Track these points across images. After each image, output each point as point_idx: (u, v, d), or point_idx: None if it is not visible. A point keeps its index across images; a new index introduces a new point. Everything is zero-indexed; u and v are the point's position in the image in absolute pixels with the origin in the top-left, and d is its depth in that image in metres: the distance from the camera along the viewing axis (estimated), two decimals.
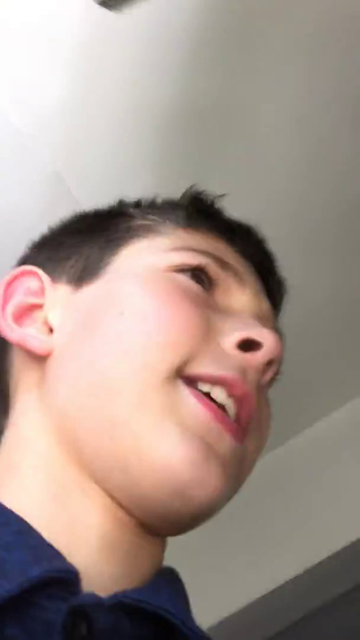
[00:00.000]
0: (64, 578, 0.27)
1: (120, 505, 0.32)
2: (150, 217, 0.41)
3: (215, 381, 0.33)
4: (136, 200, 0.45)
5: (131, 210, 0.43)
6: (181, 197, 0.44)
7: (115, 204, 0.45)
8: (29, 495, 0.32)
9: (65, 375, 0.35)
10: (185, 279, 0.36)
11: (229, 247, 0.41)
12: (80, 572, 0.28)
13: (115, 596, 0.27)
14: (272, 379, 0.37)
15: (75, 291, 0.38)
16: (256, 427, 0.35)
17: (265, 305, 0.40)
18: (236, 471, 0.33)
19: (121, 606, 0.27)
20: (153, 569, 0.33)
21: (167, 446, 0.30)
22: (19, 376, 0.38)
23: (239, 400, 0.33)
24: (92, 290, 0.37)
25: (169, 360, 0.32)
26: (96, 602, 0.27)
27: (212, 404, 0.32)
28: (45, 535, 0.29)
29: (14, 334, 0.37)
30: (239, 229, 0.43)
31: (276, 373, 0.37)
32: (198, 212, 0.42)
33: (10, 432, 0.36)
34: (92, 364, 0.34)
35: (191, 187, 0.44)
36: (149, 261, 0.37)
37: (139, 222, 0.41)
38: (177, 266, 0.37)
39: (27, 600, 0.25)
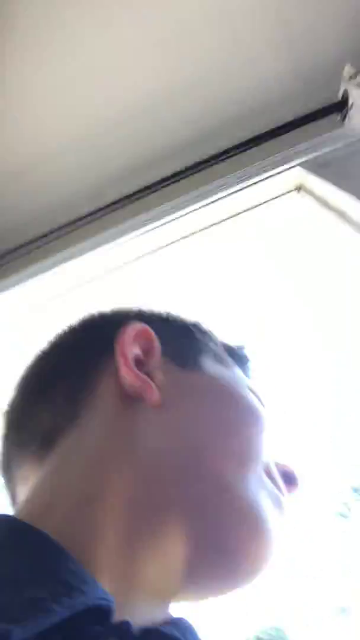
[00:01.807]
0: (104, 607, 0.28)
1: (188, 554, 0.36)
2: (207, 338, 0.53)
3: None
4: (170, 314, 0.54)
5: (208, 335, 0.54)
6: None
7: (198, 322, 0.55)
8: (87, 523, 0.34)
9: (196, 425, 0.42)
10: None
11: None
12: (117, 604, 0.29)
13: (146, 629, 0.30)
14: None
15: (183, 368, 0.47)
16: None
17: None
18: None
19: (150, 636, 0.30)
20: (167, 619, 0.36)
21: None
22: (106, 421, 0.41)
23: None
24: (208, 380, 0.47)
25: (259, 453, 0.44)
26: (128, 626, 0.29)
27: None
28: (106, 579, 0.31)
29: (135, 373, 0.42)
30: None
31: None
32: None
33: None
34: (236, 439, 0.43)
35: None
36: (229, 374, 0.50)
37: (209, 340, 0.52)
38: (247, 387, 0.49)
39: (76, 624, 0.26)
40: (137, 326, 0.44)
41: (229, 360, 0.51)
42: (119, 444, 0.38)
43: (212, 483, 0.38)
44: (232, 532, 0.37)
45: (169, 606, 0.37)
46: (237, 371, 0.50)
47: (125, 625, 0.28)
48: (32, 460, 0.40)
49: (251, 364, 0.55)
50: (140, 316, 0.50)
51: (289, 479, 0.47)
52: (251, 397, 0.46)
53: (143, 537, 0.34)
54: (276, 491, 0.43)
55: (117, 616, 0.29)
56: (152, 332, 0.45)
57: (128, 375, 0.41)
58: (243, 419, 0.43)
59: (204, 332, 0.52)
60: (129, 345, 0.43)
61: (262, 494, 0.40)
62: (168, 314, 0.53)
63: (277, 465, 0.46)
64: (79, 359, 0.44)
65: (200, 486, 0.38)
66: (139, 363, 0.43)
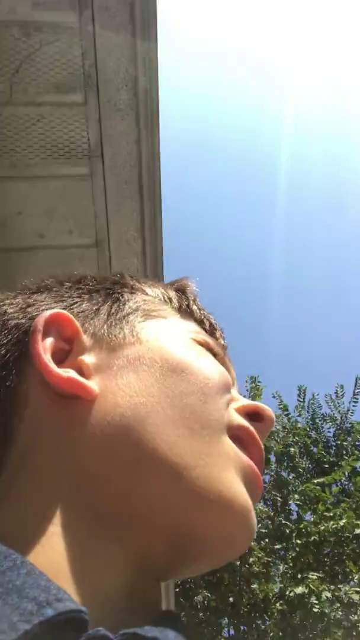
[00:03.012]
0: (76, 618, 0.27)
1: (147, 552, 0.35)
2: (155, 297, 0.49)
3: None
4: (126, 275, 0.51)
5: (137, 285, 0.50)
6: (171, 283, 0.53)
7: (116, 273, 0.51)
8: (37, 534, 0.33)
9: (131, 411, 0.38)
10: (201, 348, 0.46)
11: (211, 336, 0.49)
12: (90, 613, 0.28)
13: (123, 633, 0.28)
14: None
15: (113, 348, 0.43)
16: None
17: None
18: None
19: None
20: (156, 611, 0.36)
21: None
22: (44, 419, 0.38)
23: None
24: (140, 351, 0.43)
25: (224, 414, 0.42)
26: (105, 636, 0.27)
27: None
28: (63, 582, 0.30)
29: (63, 374, 0.39)
30: (212, 321, 0.51)
31: None
32: (188, 302, 0.50)
33: (29, 472, 0.37)
34: (174, 402, 0.40)
35: (177, 281, 0.53)
36: (180, 338, 0.45)
37: (150, 300, 0.48)
38: (197, 340, 0.46)
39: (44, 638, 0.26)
40: (45, 316, 0.40)
41: (165, 309, 0.47)
42: (61, 452, 0.36)
43: (166, 472, 0.35)
44: (198, 520, 0.36)
45: (157, 591, 0.37)
46: (175, 320, 0.47)
47: (98, 634, 0.27)
48: None
49: (195, 297, 0.51)
50: (47, 296, 0.44)
51: (257, 417, 0.44)
52: (192, 352, 0.43)
53: (100, 543, 0.34)
54: (243, 458, 0.40)
55: (94, 625, 0.28)
56: (66, 315, 0.41)
57: (51, 378, 0.38)
58: (182, 387, 0.39)
59: (127, 287, 0.48)
60: (42, 343, 0.38)
61: (225, 468, 0.38)
62: (82, 278, 0.48)
63: (240, 411, 0.43)
64: None
65: (154, 481, 0.35)
66: (63, 354, 0.40)
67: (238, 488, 0.38)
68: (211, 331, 0.49)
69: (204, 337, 0.47)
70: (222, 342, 0.50)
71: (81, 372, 0.39)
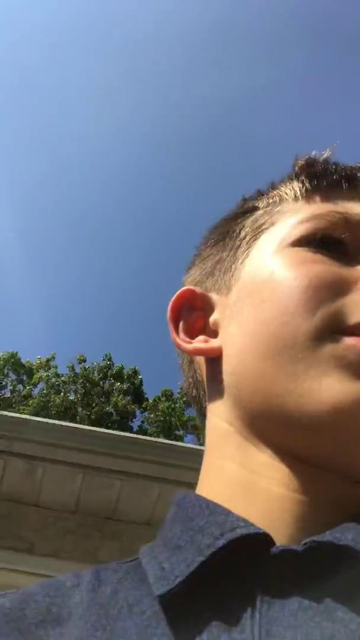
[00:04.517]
0: (260, 538, 0.30)
1: (298, 458, 0.35)
2: (271, 203, 0.44)
3: None
4: (257, 191, 0.47)
5: (252, 204, 0.46)
6: (293, 168, 0.45)
7: (239, 202, 0.48)
8: (223, 486, 0.37)
9: (236, 358, 0.39)
10: (305, 251, 0.38)
11: (350, 199, 0.41)
12: (272, 532, 0.31)
13: (304, 543, 0.30)
14: None
15: (227, 295, 0.43)
16: None
17: None
18: None
19: (312, 551, 0.29)
20: (349, 510, 0.33)
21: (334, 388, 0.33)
22: (206, 383, 0.44)
23: None
24: (238, 288, 0.42)
25: (314, 322, 0.35)
26: (288, 550, 0.30)
27: None
28: (241, 510, 0.33)
29: (189, 346, 0.43)
30: (354, 176, 0.42)
31: None
32: (311, 179, 0.43)
33: (207, 432, 0.42)
34: (258, 337, 0.37)
35: (298, 156, 0.45)
36: (272, 248, 0.41)
37: (261, 213, 0.44)
38: (298, 241, 0.39)
39: (233, 557, 0.30)
40: (169, 306, 0.45)
41: (279, 210, 0.43)
42: (220, 402, 0.41)
43: (274, 406, 0.35)
44: (318, 445, 0.34)
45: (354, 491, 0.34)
46: (282, 222, 0.42)
47: (282, 551, 0.30)
48: None
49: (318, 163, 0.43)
50: (192, 270, 0.50)
51: None
52: (277, 267, 0.38)
53: (264, 460, 0.36)
54: (346, 348, 0.34)
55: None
56: (184, 290, 0.45)
57: (187, 350, 0.43)
58: (265, 315, 0.37)
59: (245, 212, 0.46)
60: (174, 329, 0.44)
61: (324, 375, 0.33)
62: (213, 229, 0.49)
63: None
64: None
65: (271, 418, 0.36)
66: (201, 323, 0.44)
67: (341, 389, 0.32)
68: (334, 184, 0.42)
69: (316, 223, 0.39)
70: (344, 184, 0.42)
71: (211, 333, 0.43)
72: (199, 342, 0.43)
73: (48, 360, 12.15)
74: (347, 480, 0.34)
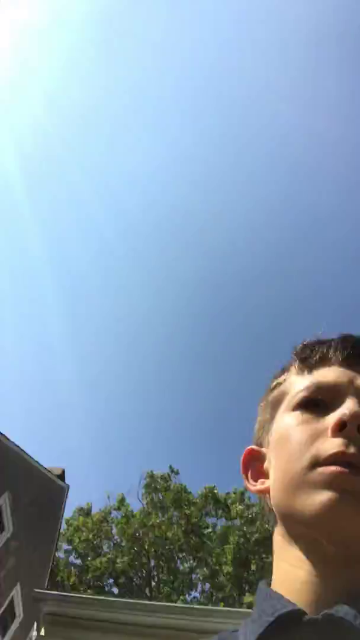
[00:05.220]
0: (298, 612, 0.51)
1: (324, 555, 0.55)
2: (286, 377, 0.68)
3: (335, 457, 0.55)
4: (281, 369, 0.71)
5: (276, 382, 0.70)
6: (291, 354, 0.70)
7: (271, 379, 0.72)
8: (280, 576, 0.59)
9: (274, 492, 0.61)
10: (300, 414, 0.62)
11: (326, 366, 0.65)
12: (303, 605, 0.52)
13: (324, 614, 0.49)
14: None
15: (268, 447, 0.67)
16: None
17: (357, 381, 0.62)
18: None
19: (332, 620, 0.49)
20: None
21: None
22: (268, 511, 0.65)
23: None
24: (272, 442, 0.65)
25: (304, 462, 0.57)
26: (313, 619, 0.50)
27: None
28: (286, 592, 0.55)
29: (253, 488, 0.66)
30: (335, 351, 0.65)
31: None
32: (301, 361, 0.67)
33: (273, 543, 0.63)
34: (280, 476, 0.61)
35: (296, 345, 0.70)
36: (284, 410, 0.65)
37: (281, 388, 0.68)
38: (297, 405, 0.63)
39: (280, 629, 0.50)
40: (242, 458, 0.69)
41: (290, 379, 0.67)
42: (279, 525, 0.62)
43: (294, 522, 0.57)
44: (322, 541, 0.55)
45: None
46: (290, 394, 0.65)
47: (310, 620, 0.49)
48: None
49: (302, 348, 0.67)
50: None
51: (339, 427, 0.56)
52: (285, 427, 0.62)
53: (313, 567, 0.56)
54: (325, 473, 0.54)
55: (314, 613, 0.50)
56: (248, 449, 0.69)
57: (252, 491, 0.66)
58: (280, 461, 0.61)
59: (264, 404, 0.70)
60: (245, 473, 0.68)
61: (314, 496, 0.54)
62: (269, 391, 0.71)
63: (333, 434, 0.56)
64: None
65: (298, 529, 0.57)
66: (259, 468, 0.67)
67: (321, 497, 0.53)
68: (315, 362, 0.65)
69: (303, 393, 0.63)
70: (331, 354, 0.65)
71: (266, 476, 0.65)
72: (260, 485, 0.65)
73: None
74: (348, 564, 0.53)
